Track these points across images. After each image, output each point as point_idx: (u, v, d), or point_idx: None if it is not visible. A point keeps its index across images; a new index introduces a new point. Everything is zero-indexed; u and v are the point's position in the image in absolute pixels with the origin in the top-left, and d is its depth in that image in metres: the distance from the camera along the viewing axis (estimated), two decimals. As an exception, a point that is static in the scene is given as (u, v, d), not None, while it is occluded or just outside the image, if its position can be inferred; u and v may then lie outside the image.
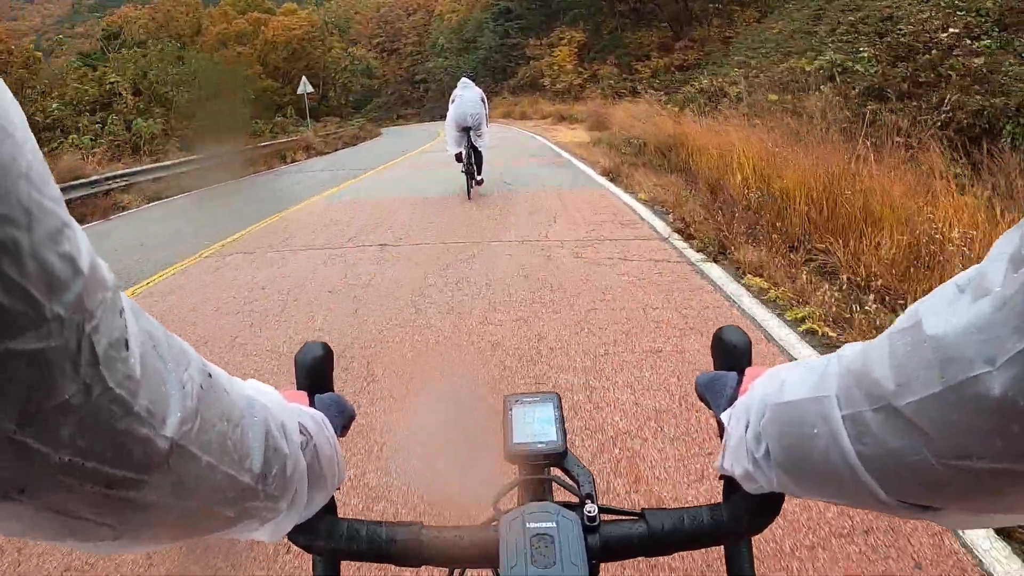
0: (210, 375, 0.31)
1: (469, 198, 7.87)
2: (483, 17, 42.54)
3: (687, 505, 0.50)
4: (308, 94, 21.12)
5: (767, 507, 0.48)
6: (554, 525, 0.45)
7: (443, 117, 8.46)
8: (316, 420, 0.46)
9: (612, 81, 26.10)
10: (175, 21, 25.86)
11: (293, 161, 17.96)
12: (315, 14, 30.18)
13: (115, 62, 20.01)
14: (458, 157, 7.85)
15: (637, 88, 23.33)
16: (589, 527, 0.47)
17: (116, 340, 0.23)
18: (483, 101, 7.66)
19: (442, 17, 50.34)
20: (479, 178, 7.99)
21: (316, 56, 29.89)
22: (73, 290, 0.21)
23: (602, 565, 0.48)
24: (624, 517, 0.49)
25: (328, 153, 19.53)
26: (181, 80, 19.13)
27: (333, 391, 0.55)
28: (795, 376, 0.39)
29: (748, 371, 0.52)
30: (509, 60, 40.09)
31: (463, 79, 7.93)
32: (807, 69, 12.32)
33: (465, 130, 7.59)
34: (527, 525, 0.45)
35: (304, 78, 21.29)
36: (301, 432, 0.41)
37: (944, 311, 0.27)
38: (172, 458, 0.26)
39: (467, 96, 7.60)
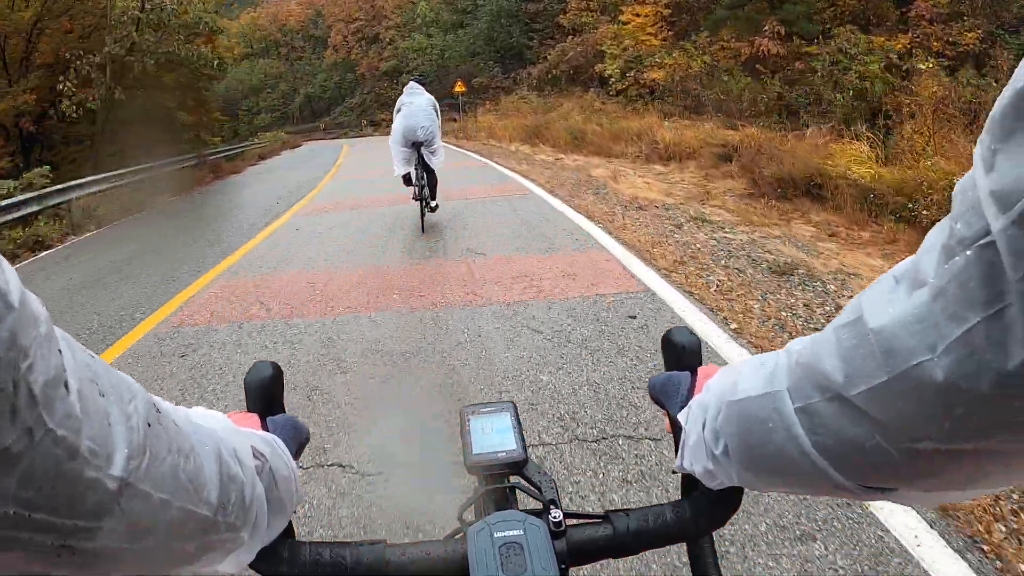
0: (156, 406, 0.29)
1: (423, 231, 5.96)
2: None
3: (650, 504, 0.49)
4: None
5: (728, 501, 0.48)
6: (522, 532, 0.45)
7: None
8: (269, 443, 0.44)
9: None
10: None
11: None
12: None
13: None
14: (407, 179, 6.03)
15: None
16: (555, 532, 0.47)
17: (54, 378, 0.22)
18: (435, 110, 5.88)
19: (432, -14, 33.72)
20: (433, 204, 6.23)
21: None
22: (5, 327, 0.19)
23: (571, 569, 0.48)
24: (589, 520, 0.50)
25: None
26: None
27: (285, 412, 0.53)
28: (747, 373, 0.39)
29: (701, 370, 0.52)
30: (529, 36, 23.84)
31: (411, 83, 5.95)
32: None
33: (415, 146, 5.84)
34: (495, 535, 0.45)
35: None
36: (256, 456, 0.40)
37: (884, 303, 0.27)
38: (123, 499, 0.25)
39: (417, 104, 5.80)
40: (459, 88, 23.25)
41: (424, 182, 5.95)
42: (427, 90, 5.93)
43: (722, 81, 13.49)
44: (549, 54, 21.15)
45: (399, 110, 5.88)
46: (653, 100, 14.21)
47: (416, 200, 5.99)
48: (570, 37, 20.79)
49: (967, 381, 0.23)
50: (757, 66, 14.41)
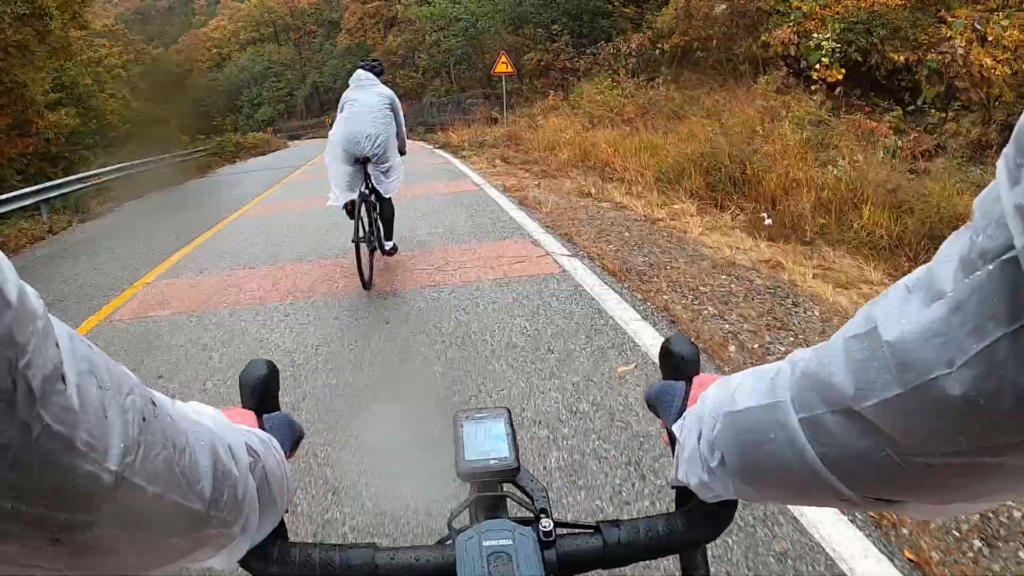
0: (152, 400, 0.30)
1: (366, 288, 4.04)
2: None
3: (641, 516, 0.50)
4: None
5: (721, 513, 0.48)
6: (511, 542, 0.45)
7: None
8: (264, 441, 0.44)
9: None
10: None
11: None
12: None
13: None
14: (348, 209, 4.09)
15: None
16: (545, 542, 0.47)
17: (51, 373, 0.22)
18: (393, 109, 4.06)
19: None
20: (388, 246, 4.41)
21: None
22: (2, 324, 0.19)
23: None
24: (580, 531, 0.50)
25: None
26: None
27: (280, 410, 0.53)
28: (746, 384, 0.39)
29: (696, 380, 0.52)
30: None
31: (359, 71, 4.13)
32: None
33: (361, 163, 4.02)
34: (483, 543, 0.45)
35: None
36: (249, 453, 0.40)
37: (897, 315, 0.27)
38: (118, 492, 0.25)
39: (364, 103, 4.00)
40: (501, 67, 15.04)
41: (375, 214, 4.13)
42: (384, 81, 4.13)
43: None
44: (650, 20, 13.48)
45: (341, 109, 4.08)
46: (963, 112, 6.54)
47: (355, 242, 3.86)
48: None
49: (987, 397, 0.23)
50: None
